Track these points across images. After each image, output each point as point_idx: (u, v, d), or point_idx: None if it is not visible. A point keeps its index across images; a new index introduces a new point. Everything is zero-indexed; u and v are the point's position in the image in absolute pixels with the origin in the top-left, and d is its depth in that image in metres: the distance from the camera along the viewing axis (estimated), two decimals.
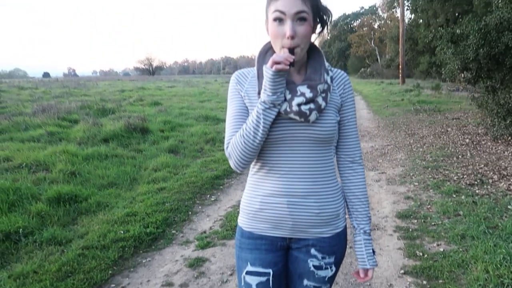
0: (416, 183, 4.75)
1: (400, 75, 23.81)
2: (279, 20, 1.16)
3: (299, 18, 1.15)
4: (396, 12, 42.13)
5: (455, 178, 4.81)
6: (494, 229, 3.24)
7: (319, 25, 1.27)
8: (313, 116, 1.18)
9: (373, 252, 1.34)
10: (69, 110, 10.54)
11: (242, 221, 1.35)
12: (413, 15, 34.31)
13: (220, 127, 9.06)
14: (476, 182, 4.58)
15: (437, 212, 3.76)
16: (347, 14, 65.09)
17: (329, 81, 1.25)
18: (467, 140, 7.11)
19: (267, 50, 1.30)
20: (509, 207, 3.72)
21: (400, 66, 24.11)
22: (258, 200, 1.28)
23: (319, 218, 1.26)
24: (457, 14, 27.50)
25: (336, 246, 1.32)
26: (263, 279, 1.31)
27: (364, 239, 1.32)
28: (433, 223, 3.51)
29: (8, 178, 4.61)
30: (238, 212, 3.82)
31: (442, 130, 8.36)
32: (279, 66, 1.09)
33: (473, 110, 10.52)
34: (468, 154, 5.98)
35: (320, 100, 1.20)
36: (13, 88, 23.35)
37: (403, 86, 21.50)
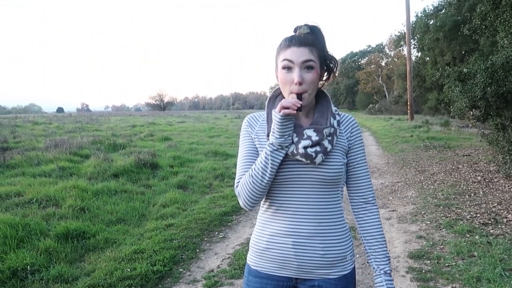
0: (428, 222, 4.65)
1: (409, 111, 23.90)
2: (288, 68, 1.25)
3: (306, 66, 1.23)
4: (403, 50, 42.95)
5: (468, 217, 4.71)
6: (511, 272, 3.13)
7: (326, 72, 1.35)
8: (319, 159, 1.23)
9: None
10: (81, 145, 10.70)
11: (250, 259, 1.38)
12: (420, 53, 34.96)
13: (229, 163, 9.09)
14: (490, 222, 4.47)
15: (451, 252, 3.66)
16: (354, 52, 66.46)
17: (335, 124, 1.30)
18: (479, 178, 7.01)
19: (277, 96, 1.38)
20: None
21: (408, 103, 24.25)
22: (265, 239, 1.31)
23: (324, 260, 1.27)
24: (463, 52, 27.95)
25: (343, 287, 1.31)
26: None
27: (386, 279, 1.31)
28: (446, 264, 3.41)
29: (18, 213, 4.64)
30: (246, 250, 3.78)
31: (453, 167, 8.27)
32: (287, 111, 1.17)
33: (484, 147, 10.44)
34: (481, 192, 5.89)
35: (326, 143, 1.24)
36: (28, 123, 23.90)
37: (412, 122, 21.50)
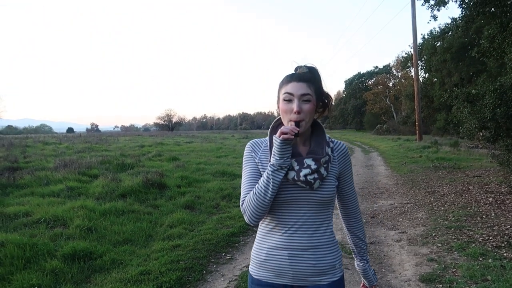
0: (439, 244, 4.56)
1: (417, 131, 23.78)
2: (289, 100, 1.46)
3: (304, 99, 1.45)
4: (410, 71, 43.11)
5: (480, 239, 4.61)
6: None
7: (322, 106, 1.57)
8: (316, 184, 1.44)
9: (374, 272, 1.74)
10: (90, 165, 10.78)
11: (252, 269, 1.58)
12: (427, 74, 35.04)
13: (236, 183, 9.06)
14: (503, 245, 4.37)
15: (463, 276, 3.56)
16: (362, 73, 66.83)
17: (329, 152, 1.51)
18: (490, 199, 6.89)
19: (277, 125, 1.58)
20: None
21: (416, 123, 24.15)
22: (264, 252, 1.52)
23: (316, 269, 1.48)
24: (471, 74, 27.95)
25: None
26: None
27: (368, 265, 1.69)
28: None
29: (26, 233, 4.65)
30: None
31: (464, 188, 8.15)
32: (286, 136, 1.36)
33: (494, 168, 10.31)
34: (493, 214, 5.77)
35: (322, 170, 1.45)
36: (38, 143, 24.21)
37: (421, 143, 21.35)
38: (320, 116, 1.58)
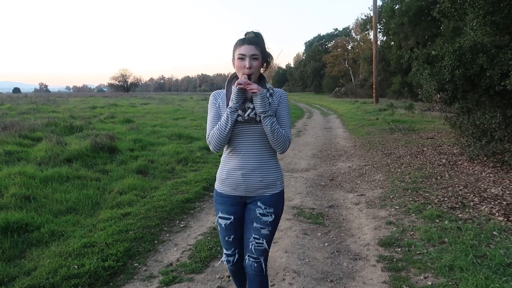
0: (397, 207, 4.55)
1: (374, 94, 24.17)
2: (242, 58, 1.96)
3: (253, 58, 1.95)
4: (369, 34, 43.33)
5: (436, 201, 4.65)
6: (483, 259, 3.04)
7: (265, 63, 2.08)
8: (258, 118, 1.96)
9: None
10: (33, 128, 9.95)
11: (216, 185, 2.14)
12: (385, 37, 35.34)
13: (193, 146, 8.72)
14: (457, 206, 4.42)
15: (421, 239, 3.54)
16: (321, 35, 66.52)
17: (267, 95, 1.99)
18: (444, 161, 7.04)
19: (232, 78, 2.10)
20: (494, 233, 3.55)
21: (374, 86, 24.50)
22: (225, 172, 2.06)
23: (262, 184, 2.03)
24: (426, 37, 28.46)
25: (274, 201, 2.05)
26: (228, 221, 2.10)
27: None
28: (418, 252, 3.29)
29: None
30: (209, 241, 3.50)
31: (418, 150, 8.31)
32: (241, 86, 1.89)
33: (446, 130, 10.62)
34: (447, 175, 5.88)
35: None
36: None
37: (377, 106, 21.77)
38: (265, 70, 2.08)
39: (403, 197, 4.89)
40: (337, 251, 3.47)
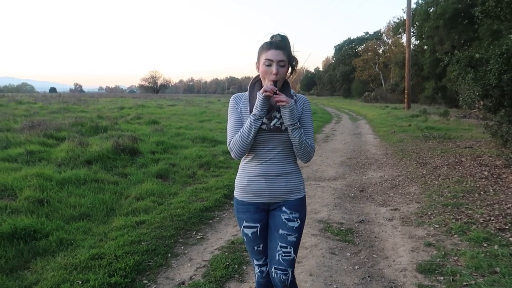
0: (437, 225, 4.08)
1: (406, 100, 23.28)
2: (268, 64, 1.88)
3: (280, 64, 1.88)
4: (401, 37, 42.13)
5: (481, 220, 4.14)
6: None
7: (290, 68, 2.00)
8: (283, 127, 1.90)
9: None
10: (60, 127, 9.99)
11: (237, 194, 2.04)
12: (418, 41, 34.16)
13: (217, 150, 8.45)
14: (507, 227, 3.90)
15: (468, 266, 3.08)
16: (351, 38, 65.31)
17: (293, 103, 1.87)
18: (486, 173, 6.45)
19: (255, 82, 2.02)
20: None
21: (406, 91, 23.61)
22: (246, 179, 1.98)
23: (286, 189, 1.97)
24: (462, 42, 27.24)
25: (298, 206, 1.99)
26: (254, 230, 2.01)
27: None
28: (464, 283, 2.84)
29: None
30: (226, 256, 3.14)
31: (456, 160, 7.70)
32: (267, 94, 1.83)
33: (486, 139, 9.91)
34: (491, 190, 5.32)
35: None
36: (12, 102, 22.96)
37: (409, 111, 20.92)
38: (289, 76, 2.01)
39: (442, 214, 4.41)
40: (369, 276, 3.07)
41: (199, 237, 3.94)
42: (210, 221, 4.40)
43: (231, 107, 2.00)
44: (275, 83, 1.85)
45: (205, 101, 38.05)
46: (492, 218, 4.20)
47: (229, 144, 1.93)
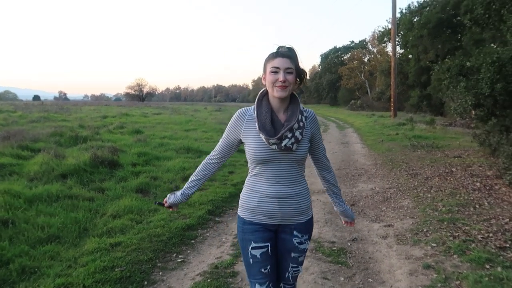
0: (434, 244, 3.84)
1: (392, 108, 23.34)
2: (275, 72, 1.83)
3: (288, 72, 1.83)
4: (386, 46, 42.55)
5: (479, 237, 3.92)
6: None
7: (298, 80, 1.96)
8: (294, 147, 1.84)
9: (351, 209, 2.21)
10: (37, 137, 9.55)
11: (243, 214, 1.96)
12: (403, 50, 34.49)
13: (201, 161, 8.10)
14: (507, 245, 3.69)
15: None
16: (338, 47, 65.87)
17: (303, 120, 1.89)
18: (478, 184, 6.28)
19: (263, 96, 1.95)
20: None
21: (392, 100, 23.68)
22: (256, 199, 1.91)
23: (297, 211, 1.93)
24: (446, 50, 27.56)
25: (308, 227, 2.00)
26: (264, 250, 1.92)
27: (346, 206, 2.16)
28: None
29: None
30: (208, 284, 2.80)
31: (447, 171, 7.54)
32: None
33: (474, 148, 9.82)
34: (486, 204, 5.13)
35: (298, 134, 1.83)
36: None
37: (396, 120, 20.93)
38: (297, 88, 1.92)
39: (439, 231, 4.18)
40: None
41: (179, 260, 3.61)
42: (193, 241, 4.08)
43: (231, 126, 1.94)
44: (283, 90, 1.80)
45: (191, 109, 37.63)
46: (490, 235, 3.98)
47: (206, 158, 2.04)
